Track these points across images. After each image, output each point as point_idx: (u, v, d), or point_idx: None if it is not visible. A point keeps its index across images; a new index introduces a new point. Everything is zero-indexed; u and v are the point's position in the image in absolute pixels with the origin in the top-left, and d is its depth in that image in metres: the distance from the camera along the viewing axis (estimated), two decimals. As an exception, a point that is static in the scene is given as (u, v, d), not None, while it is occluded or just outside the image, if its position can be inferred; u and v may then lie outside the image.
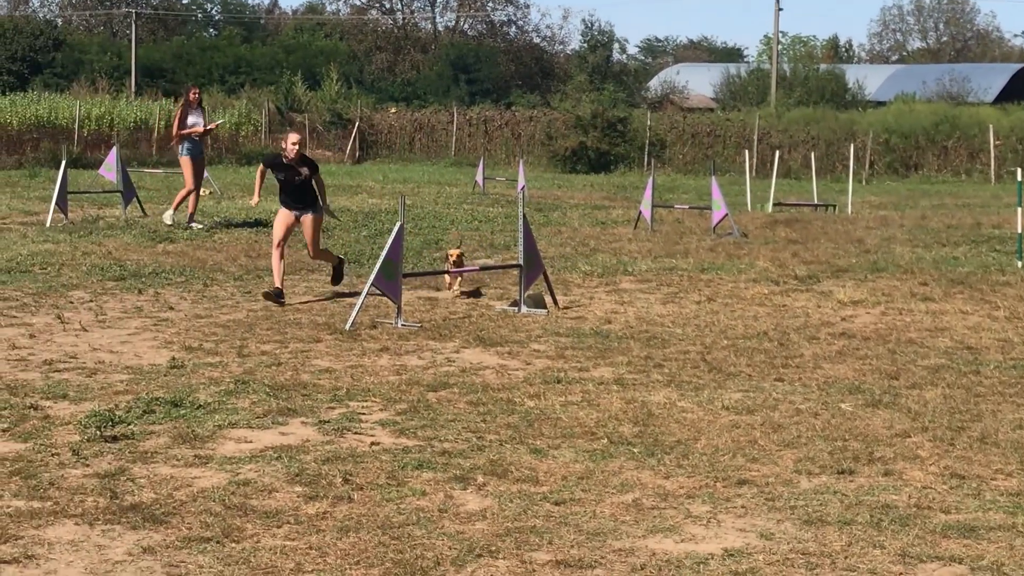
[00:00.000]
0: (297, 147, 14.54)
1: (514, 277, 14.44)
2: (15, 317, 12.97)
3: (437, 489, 7.34)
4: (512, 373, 10.68)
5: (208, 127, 22.84)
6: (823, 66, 78.48)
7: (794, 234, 23.22)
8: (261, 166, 15.42)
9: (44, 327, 12.48)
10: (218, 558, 6.15)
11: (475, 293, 14.90)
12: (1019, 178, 18.55)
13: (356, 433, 8.58)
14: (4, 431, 8.46)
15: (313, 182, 14.62)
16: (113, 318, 13.14)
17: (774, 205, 30.81)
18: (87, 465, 7.70)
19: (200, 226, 21.93)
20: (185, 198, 22.34)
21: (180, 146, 22.39)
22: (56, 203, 22.54)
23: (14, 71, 69.82)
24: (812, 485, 7.57)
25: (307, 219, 14.60)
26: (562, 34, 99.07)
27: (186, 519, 6.73)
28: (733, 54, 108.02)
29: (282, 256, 14.48)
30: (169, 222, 22.04)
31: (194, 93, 22.65)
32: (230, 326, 12.75)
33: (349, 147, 56.95)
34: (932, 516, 6.95)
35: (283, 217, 14.60)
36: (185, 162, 22.19)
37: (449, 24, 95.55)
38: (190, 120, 22.17)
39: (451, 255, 15.04)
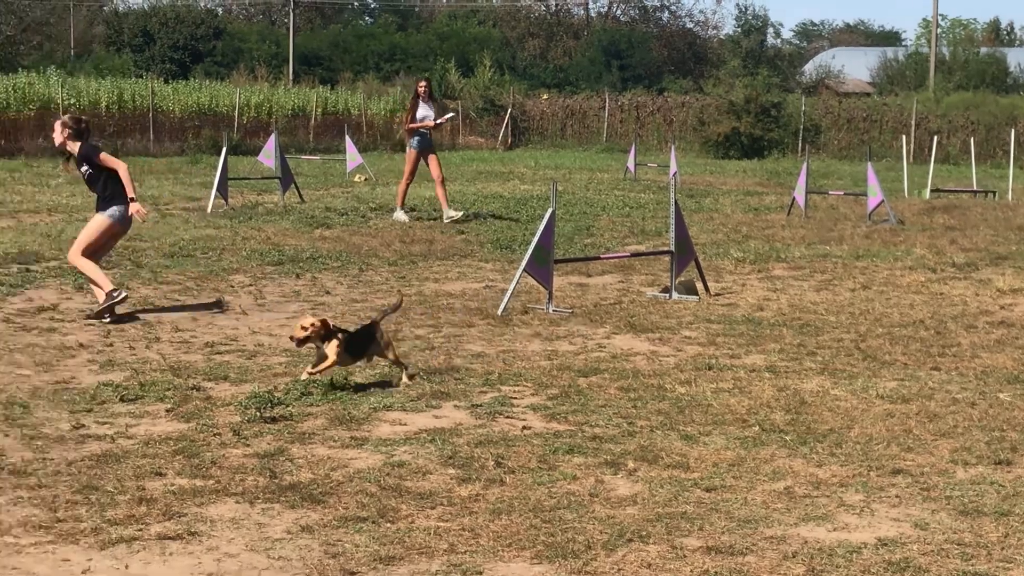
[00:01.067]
0: (59, 131, 12.77)
1: (665, 263, 14.39)
2: (178, 300, 13.28)
3: (588, 474, 7.37)
4: (663, 359, 10.66)
5: (439, 120, 22.43)
6: (984, 49, 76.86)
7: (952, 221, 22.83)
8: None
9: (205, 311, 12.77)
10: (374, 537, 6.24)
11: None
12: None
13: (508, 417, 8.63)
14: (168, 411, 8.67)
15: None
16: (272, 302, 13.38)
17: (931, 191, 30.29)
18: (247, 445, 7.86)
19: (404, 217, 21.76)
20: (406, 189, 22.22)
21: (410, 139, 22.03)
22: (217, 189, 23.01)
23: (176, 59, 71.18)
24: (968, 475, 7.46)
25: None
26: (715, 19, 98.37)
27: (343, 499, 6.84)
28: (890, 37, 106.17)
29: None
30: (404, 219, 21.73)
31: (423, 86, 22.30)
32: (385, 311, 12.88)
33: (501, 133, 57.13)
34: (1092, 509, 6.82)
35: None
36: (410, 155, 21.90)
37: (602, 10, 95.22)
38: (420, 113, 21.78)
39: (305, 327, 9.30)
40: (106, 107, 44.44)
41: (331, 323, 9.43)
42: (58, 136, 12.70)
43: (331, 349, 9.23)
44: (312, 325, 9.17)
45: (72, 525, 6.38)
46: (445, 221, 21.35)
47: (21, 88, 42.55)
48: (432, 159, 21.85)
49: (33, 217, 21.27)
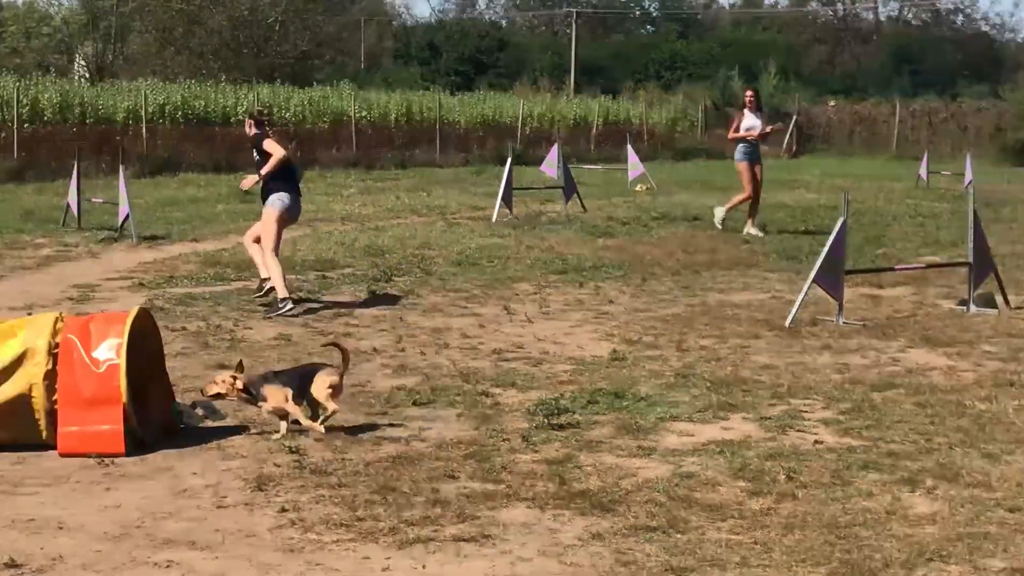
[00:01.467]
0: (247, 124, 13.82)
1: (962, 276, 13.98)
2: (466, 308, 13.50)
3: (884, 491, 7.21)
4: (961, 374, 10.35)
5: (765, 130, 21.41)
6: None
7: None
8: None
9: (492, 317, 12.93)
10: (664, 548, 6.24)
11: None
12: None
13: (799, 431, 8.50)
14: (459, 416, 8.82)
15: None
16: (556, 310, 13.48)
17: None
18: (536, 451, 7.93)
19: (756, 232, 20.97)
20: (741, 203, 21.45)
21: (736, 151, 21.30)
22: (502, 199, 23.28)
23: (461, 72, 72.52)
24: None
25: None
26: (1013, 22, 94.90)
27: (632, 508, 6.84)
28: None
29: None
30: (719, 224, 21.39)
31: (749, 96, 21.63)
32: (669, 320, 12.86)
33: (786, 141, 56.36)
34: None
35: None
36: (741, 167, 21.12)
37: (892, 14, 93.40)
38: (746, 123, 21.00)
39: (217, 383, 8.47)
40: (395, 119, 45.50)
41: (243, 379, 8.31)
42: (248, 128, 13.53)
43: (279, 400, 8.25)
44: (224, 381, 8.30)
45: (371, 524, 6.56)
46: (743, 234, 20.84)
47: (316, 101, 43.90)
48: (757, 169, 21.20)
49: (328, 226, 21.88)
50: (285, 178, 13.23)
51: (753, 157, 21.09)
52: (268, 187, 13.16)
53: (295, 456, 7.75)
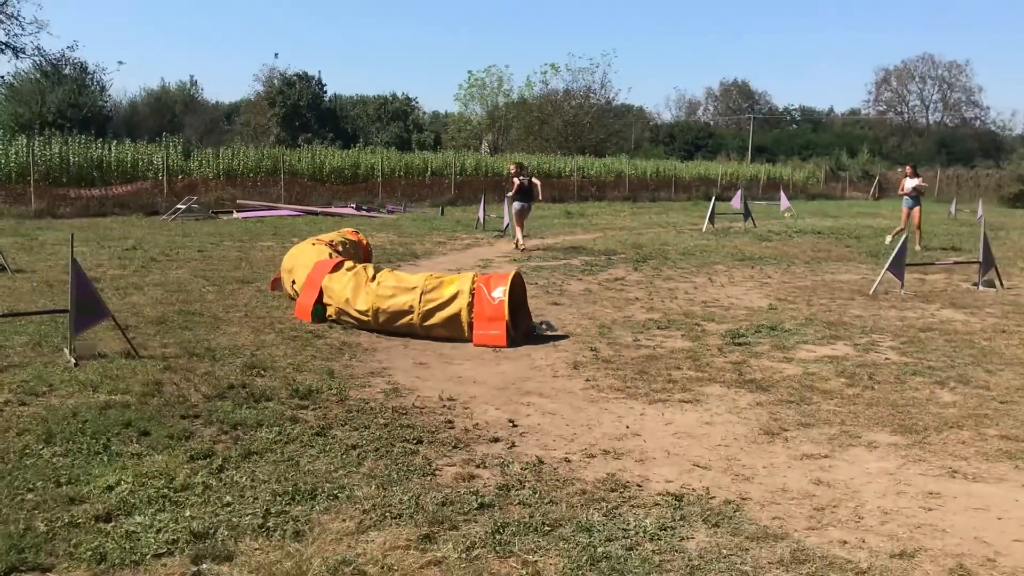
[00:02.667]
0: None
1: (975, 268, 12.93)
2: (686, 278, 13.25)
3: (924, 387, 6.78)
4: (973, 324, 9.59)
5: (919, 187, 17.71)
6: None
7: None
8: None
9: (701, 284, 12.64)
10: (797, 411, 6.04)
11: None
12: None
13: (876, 352, 8.07)
14: (682, 335, 8.70)
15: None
16: (738, 280, 13.11)
17: None
18: (725, 356, 7.79)
19: (917, 248, 17.43)
20: (898, 232, 18.07)
21: (904, 200, 17.91)
22: (708, 219, 22.80)
23: (686, 149, 70.72)
24: None
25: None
26: (1010, 124, 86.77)
27: (780, 390, 6.65)
28: None
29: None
30: (887, 242, 18.42)
31: (910, 168, 18.22)
32: (802, 288, 12.32)
33: (872, 190, 52.94)
34: None
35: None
36: (904, 210, 17.83)
37: (936, 120, 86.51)
38: (908, 184, 17.70)
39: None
40: (649, 175, 44.88)
41: None
42: (514, 170, 16.19)
43: None
44: None
45: (634, 390, 6.58)
46: (887, 241, 17.94)
47: (607, 165, 43.74)
48: (916, 211, 17.86)
49: (612, 232, 21.81)
50: (523, 195, 16.08)
51: (911, 204, 18.01)
52: (520, 197, 16.20)
53: (594, 352, 7.83)
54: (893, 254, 11.83)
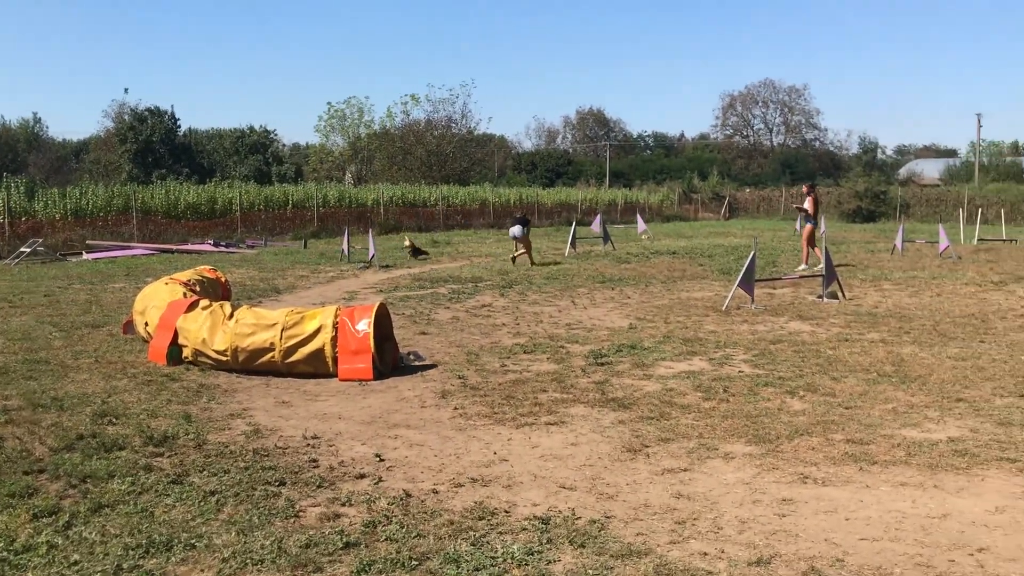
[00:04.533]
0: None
1: (819, 281, 13.72)
2: (551, 301, 13.44)
3: (776, 397, 7.10)
4: (819, 335, 10.15)
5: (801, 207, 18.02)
6: (1009, 159, 70.12)
7: (991, 257, 20.87)
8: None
9: (565, 307, 12.84)
10: (657, 427, 6.19)
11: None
12: None
13: (730, 365, 8.41)
14: (547, 359, 8.79)
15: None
16: (599, 302, 13.38)
17: (978, 240, 27.76)
18: (589, 377, 7.92)
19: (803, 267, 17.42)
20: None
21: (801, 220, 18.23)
22: (570, 244, 23.24)
23: (547, 177, 71.94)
24: (1003, 403, 6.84)
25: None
26: (846, 143, 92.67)
27: (640, 406, 6.80)
28: (951, 153, 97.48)
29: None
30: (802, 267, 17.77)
31: (806, 187, 18.46)
32: (660, 307, 12.71)
33: (723, 211, 55.38)
34: (1085, 425, 6.14)
35: None
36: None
37: (780, 141, 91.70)
38: (807, 204, 17.88)
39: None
40: (513, 202, 45.44)
41: None
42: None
43: None
44: None
45: (501, 415, 6.59)
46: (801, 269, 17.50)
47: (471, 193, 44.01)
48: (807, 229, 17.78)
49: (478, 259, 21.92)
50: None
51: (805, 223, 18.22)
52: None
53: (462, 380, 7.80)
54: (742, 271, 12.38)
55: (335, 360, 7.90)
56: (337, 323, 7.97)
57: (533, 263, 19.68)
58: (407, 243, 21.71)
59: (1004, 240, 27.89)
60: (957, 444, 5.78)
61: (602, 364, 8.45)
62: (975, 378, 7.75)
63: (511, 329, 10.73)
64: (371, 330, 7.87)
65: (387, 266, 19.77)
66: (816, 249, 17.66)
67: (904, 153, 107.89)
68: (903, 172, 75.70)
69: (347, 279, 17.19)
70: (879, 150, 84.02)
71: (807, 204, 18.53)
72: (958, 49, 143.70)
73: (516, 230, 19.84)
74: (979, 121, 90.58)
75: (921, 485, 5.07)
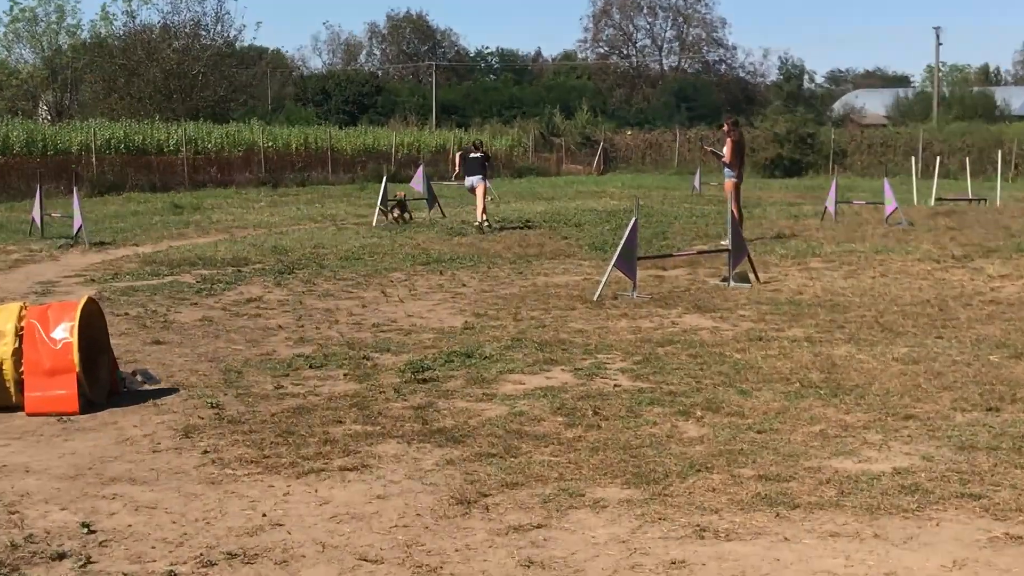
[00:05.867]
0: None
1: (724, 259, 14.30)
2: (351, 292, 13.44)
3: (665, 420, 7.35)
4: (723, 333, 10.58)
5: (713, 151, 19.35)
6: (976, 89, 75.40)
7: (952, 223, 22.40)
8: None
9: (372, 299, 12.87)
10: (501, 468, 6.29)
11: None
12: None
13: (602, 378, 8.63)
14: (345, 375, 8.77)
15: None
16: (422, 292, 13.48)
17: (936, 200, 29.65)
18: (405, 400, 7.95)
19: None
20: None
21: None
22: (380, 208, 23.26)
23: (346, 111, 71.82)
24: (965, 419, 7.34)
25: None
26: (762, 69, 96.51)
27: (477, 440, 6.89)
28: (902, 80, 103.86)
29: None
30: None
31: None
32: (507, 298, 12.93)
33: (595, 162, 57.15)
34: (1064, 445, 6.67)
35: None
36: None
37: (673, 64, 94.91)
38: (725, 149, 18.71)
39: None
40: (295, 148, 45.10)
41: None
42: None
43: None
44: None
45: (275, 460, 6.52)
46: None
47: (232, 135, 43.38)
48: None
49: (242, 231, 21.66)
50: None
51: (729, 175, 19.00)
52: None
53: (215, 410, 7.66)
54: (620, 246, 12.71)
55: (19, 384, 7.65)
56: (21, 329, 7.70)
57: (484, 225, 21.46)
58: (399, 195, 24.13)
59: (970, 200, 29.89)
60: (905, 477, 6.14)
61: (424, 381, 8.47)
62: (929, 387, 8.25)
63: (291, 333, 10.61)
64: (75, 339, 7.63)
65: (102, 243, 19.11)
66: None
67: (839, 81, 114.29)
68: (838, 107, 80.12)
69: (40, 263, 16.49)
70: (806, 77, 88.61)
71: (725, 149, 19.09)
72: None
73: (475, 179, 21.56)
74: (938, 38, 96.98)
75: (857, 535, 5.35)
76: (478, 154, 22.36)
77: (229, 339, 10.31)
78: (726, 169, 19.16)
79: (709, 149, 21.54)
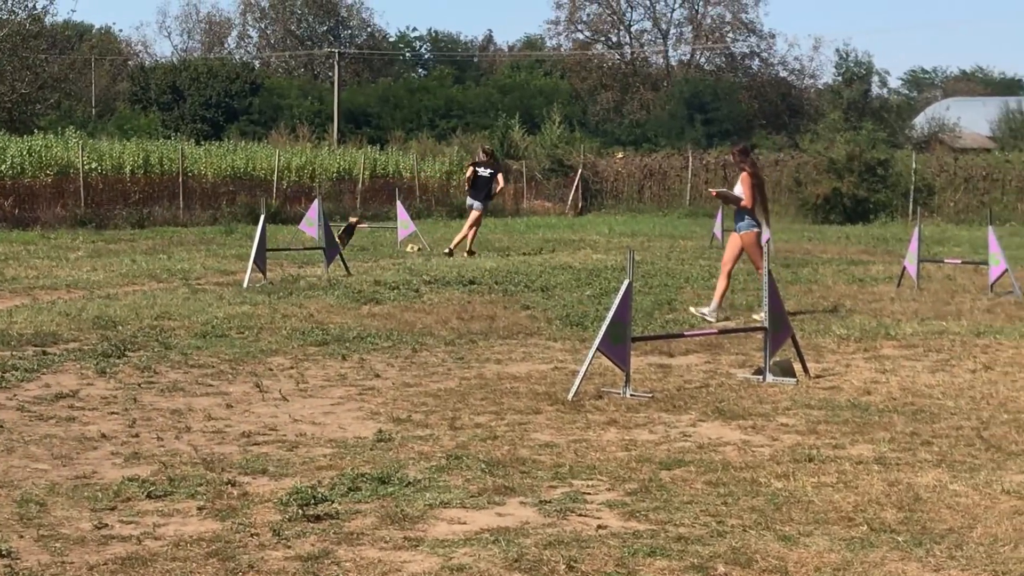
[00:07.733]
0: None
1: (758, 342, 14.32)
2: (211, 385, 13.35)
3: (670, 579, 7.32)
4: (756, 450, 10.58)
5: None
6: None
7: (1088, 292, 22.58)
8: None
9: (242, 396, 12.80)
10: (430, 653, 6.23)
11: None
12: None
13: (581, 515, 8.56)
14: (200, 509, 8.66)
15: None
16: (315, 386, 13.41)
17: (1062, 258, 29.97)
18: (288, 547, 7.83)
19: None
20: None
21: None
22: (254, 261, 23.12)
23: (208, 118, 71.94)
24: (1106, 581, 7.37)
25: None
26: (813, 67, 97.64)
27: (396, 608, 6.84)
28: (1012, 86, 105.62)
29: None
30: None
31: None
32: (441, 395, 12.89)
33: (571, 197, 57.28)
34: None
35: None
36: None
37: (683, 58, 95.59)
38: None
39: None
40: (131, 171, 44.89)
41: None
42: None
43: None
44: None
45: (93, 637, 6.41)
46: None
47: (37, 151, 43.00)
48: None
49: (50, 294, 21.48)
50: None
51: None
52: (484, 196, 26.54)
53: (6, 561, 7.53)
54: (607, 320, 12.70)
55: None
56: None
57: (461, 249, 25.85)
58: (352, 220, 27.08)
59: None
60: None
61: (317, 519, 8.38)
62: (1053, 532, 8.25)
63: (121, 447, 10.51)
64: None
65: None
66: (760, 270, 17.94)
67: (923, 86, 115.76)
68: (921, 123, 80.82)
69: None
70: (876, 79, 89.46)
71: (739, 186, 19.38)
72: None
73: (475, 204, 24.98)
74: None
75: None
76: (486, 171, 24.27)
77: (28, 454, 10.16)
78: (743, 216, 19.27)
79: (716, 192, 21.17)
